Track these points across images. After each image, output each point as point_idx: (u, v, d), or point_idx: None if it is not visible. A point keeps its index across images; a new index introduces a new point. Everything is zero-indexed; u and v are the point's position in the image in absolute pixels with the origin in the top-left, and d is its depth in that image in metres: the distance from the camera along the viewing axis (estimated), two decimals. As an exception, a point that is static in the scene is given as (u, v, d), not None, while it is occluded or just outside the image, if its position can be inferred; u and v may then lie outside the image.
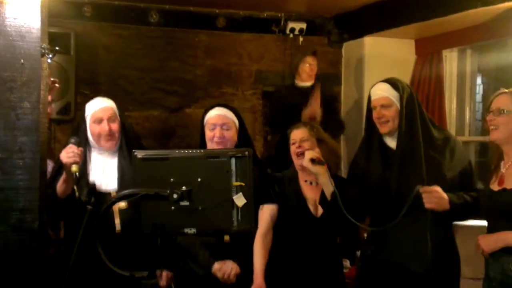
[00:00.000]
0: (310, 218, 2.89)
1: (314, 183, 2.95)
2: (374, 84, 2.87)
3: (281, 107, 4.73)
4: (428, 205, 2.54)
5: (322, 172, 2.74)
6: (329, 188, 2.73)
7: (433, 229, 2.58)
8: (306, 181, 2.97)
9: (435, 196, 2.54)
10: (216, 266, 2.81)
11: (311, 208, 2.90)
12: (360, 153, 2.92)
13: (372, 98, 2.82)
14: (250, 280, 2.78)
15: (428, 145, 2.71)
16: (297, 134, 2.96)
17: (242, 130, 3.00)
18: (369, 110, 2.84)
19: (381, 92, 2.78)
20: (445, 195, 2.56)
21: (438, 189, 2.55)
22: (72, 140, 2.68)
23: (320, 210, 2.90)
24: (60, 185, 2.73)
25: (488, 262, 2.50)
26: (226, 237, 2.83)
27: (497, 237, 2.42)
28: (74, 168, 2.59)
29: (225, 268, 2.80)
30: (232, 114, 2.97)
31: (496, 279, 2.44)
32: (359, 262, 3.12)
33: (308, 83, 4.70)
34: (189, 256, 2.85)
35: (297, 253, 2.88)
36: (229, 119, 2.93)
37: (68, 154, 2.61)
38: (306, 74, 4.69)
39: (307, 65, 4.68)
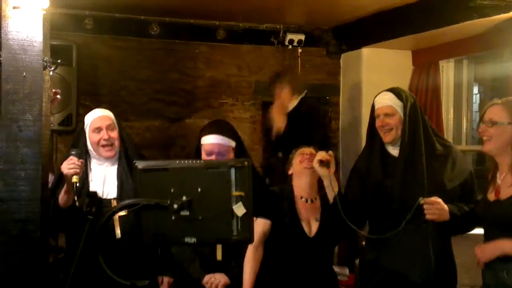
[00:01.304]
0: (303, 238, 2.89)
1: (310, 201, 2.97)
2: (378, 93, 2.89)
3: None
4: (429, 216, 2.56)
5: (325, 174, 2.77)
6: (330, 191, 2.76)
7: (433, 239, 2.61)
8: (301, 198, 2.97)
9: (436, 208, 2.55)
10: (205, 278, 2.84)
11: (305, 227, 2.90)
12: (361, 160, 2.93)
13: (376, 106, 2.84)
14: None
15: (430, 155, 2.72)
16: (304, 150, 3.03)
17: (239, 147, 2.99)
18: (372, 118, 2.86)
19: (385, 101, 2.80)
20: (445, 207, 2.57)
21: (439, 200, 2.56)
22: (73, 152, 2.73)
23: (314, 230, 2.91)
24: (62, 196, 2.76)
25: (484, 270, 2.51)
26: (219, 256, 2.83)
27: (493, 246, 2.42)
28: (74, 179, 2.64)
29: (213, 280, 2.83)
30: (227, 140, 2.92)
31: (491, 286, 2.45)
32: (358, 270, 3.14)
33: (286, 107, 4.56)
34: (180, 268, 2.88)
35: (290, 272, 2.88)
36: (225, 147, 2.90)
37: (69, 166, 2.65)
38: (277, 99, 4.56)
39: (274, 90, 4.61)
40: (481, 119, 2.53)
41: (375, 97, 2.89)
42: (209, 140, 2.93)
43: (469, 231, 2.81)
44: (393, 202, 2.70)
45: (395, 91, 2.83)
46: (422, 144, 2.73)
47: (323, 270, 2.95)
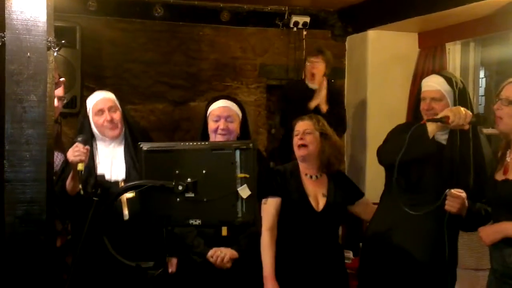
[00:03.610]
0: (311, 213, 2.91)
1: (315, 177, 2.98)
2: (428, 76, 2.84)
3: (287, 102, 4.72)
4: (448, 207, 2.52)
5: None
6: None
7: (433, 223, 2.60)
8: (306, 174, 2.98)
9: (458, 202, 2.51)
10: (210, 252, 2.82)
11: (312, 202, 2.92)
12: (395, 138, 2.79)
13: (423, 89, 2.77)
14: (249, 267, 2.82)
15: (476, 147, 2.67)
16: (301, 126, 2.98)
17: (244, 122, 3.01)
18: (418, 100, 2.80)
19: (434, 84, 2.73)
20: (466, 203, 2.53)
21: (463, 196, 2.52)
22: (79, 139, 2.71)
23: (321, 205, 2.92)
24: (69, 183, 2.76)
25: (491, 254, 2.49)
26: (224, 232, 2.84)
27: (496, 228, 2.41)
28: (80, 166, 2.62)
29: (218, 253, 2.81)
30: (236, 106, 2.98)
31: (498, 271, 2.44)
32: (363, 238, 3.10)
33: (315, 84, 4.60)
34: (185, 246, 2.87)
35: (299, 247, 2.90)
36: (233, 111, 2.94)
37: (75, 153, 2.64)
38: (309, 73, 4.62)
39: (309, 64, 4.63)
40: (498, 95, 2.45)
41: (423, 79, 2.84)
42: (217, 105, 2.95)
43: (474, 230, 2.76)
44: (430, 185, 2.67)
45: (446, 76, 2.75)
46: (470, 138, 2.66)
47: (331, 244, 2.96)
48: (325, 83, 4.55)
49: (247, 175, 2.08)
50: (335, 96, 4.67)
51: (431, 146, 2.62)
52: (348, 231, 4.60)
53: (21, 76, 2.11)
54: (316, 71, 4.58)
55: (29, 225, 2.13)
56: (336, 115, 4.48)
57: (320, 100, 4.48)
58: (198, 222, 2.12)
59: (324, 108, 4.46)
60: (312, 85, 4.60)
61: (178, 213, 2.10)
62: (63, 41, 2.29)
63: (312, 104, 4.47)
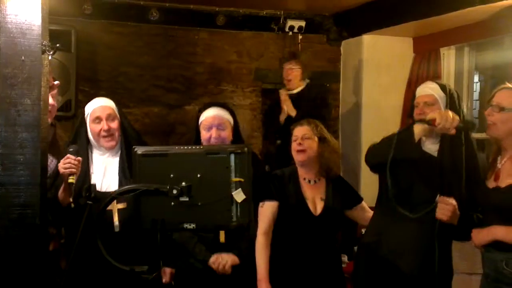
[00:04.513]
0: (309, 217, 2.91)
1: (313, 181, 2.98)
2: (422, 83, 2.85)
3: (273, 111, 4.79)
4: (439, 215, 2.50)
5: None
6: None
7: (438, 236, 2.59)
8: (305, 179, 2.99)
9: (449, 210, 2.48)
10: (212, 259, 2.82)
11: (310, 206, 2.92)
12: (385, 146, 2.73)
13: (417, 95, 2.77)
14: (248, 272, 2.81)
15: (469, 156, 2.65)
16: (300, 131, 2.99)
17: (236, 128, 3.00)
18: (412, 108, 2.81)
19: (427, 89, 2.74)
20: (458, 212, 2.51)
21: (454, 204, 2.49)
22: (71, 149, 2.65)
23: (319, 209, 2.92)
24: (60, 194, 2.72)
25: (484, 259, 2.50)
26: (222, 238, 2.84)
27: (486, 231, 2.41)
28: (70, 179, 2.57)
29: (220, 260, 2.80)
30: (227, 113, 2.95)
31: (490, 276, 2.45)
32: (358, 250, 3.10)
33: (293, 89, 4.71)
34: (186, 252, 2.87)
35: (296, 251, 2.90)
36: (224, 119, 2.91)
37: (65, 165, 2.58)
38: (286, 79, 4.73)
39: (284, 70, 4.72)
40: (489, 101, 2.46)
41: (417, 87, 2.85)
42: (208, 114, 2.93)
43: (468, 240, 2.71)
44: (414, 196, 2.66)
45: (440, 83, 2.77)
46: (463, 141, 2.63)
47: (329, 249, 2.97)
48: (284, 96, 4.65)
49: (242, 179, 2.08)
50: (315, 98, 4.72)
51: (415, 150, 2.61)
52: (343, 235, 4.60)
53: (15, 80, 2.10)
54: (292, 77, 4.66)
55: (22, 229, 2.12)
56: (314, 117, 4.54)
57: (286, 111, 4.58)
58: (192, 226, 2.12)
59: (293, 114, 4.55)
60: (290, 91, 4.70)
61: (173, 217, 2.10)
62: (58, 45, 2.28)
63: (282, 118, 4.60)
